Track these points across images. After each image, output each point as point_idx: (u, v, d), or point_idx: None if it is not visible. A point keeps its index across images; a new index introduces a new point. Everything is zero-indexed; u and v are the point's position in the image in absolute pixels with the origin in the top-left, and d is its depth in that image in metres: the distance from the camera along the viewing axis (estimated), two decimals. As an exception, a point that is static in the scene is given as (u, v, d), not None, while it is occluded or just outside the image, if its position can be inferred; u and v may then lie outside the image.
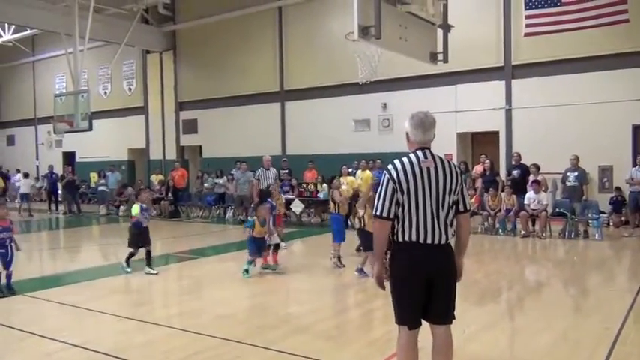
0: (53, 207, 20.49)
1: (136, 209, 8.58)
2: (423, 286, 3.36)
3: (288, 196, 15.25)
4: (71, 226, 16.85)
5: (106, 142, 23.38)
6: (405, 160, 3.43)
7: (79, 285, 7.93)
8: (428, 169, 3.38)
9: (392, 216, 3.35)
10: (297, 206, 14.74)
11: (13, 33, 23.70)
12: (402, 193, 3.35)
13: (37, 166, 26.96)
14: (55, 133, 20.16)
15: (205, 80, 20.80)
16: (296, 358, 4.70)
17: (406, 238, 3.38)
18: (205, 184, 18.06)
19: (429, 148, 3.48)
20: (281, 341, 5.15)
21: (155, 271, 8.34)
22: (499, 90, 14.84)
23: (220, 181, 17.45)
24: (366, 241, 7.63)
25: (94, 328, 5.82)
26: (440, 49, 8.70)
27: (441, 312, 3.44)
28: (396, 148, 12.55)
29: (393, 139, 15.59)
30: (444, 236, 3.39)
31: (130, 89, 23.74)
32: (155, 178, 19.23)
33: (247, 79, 19.53)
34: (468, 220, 3.60)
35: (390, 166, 3.45)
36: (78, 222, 17.58)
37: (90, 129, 17.69)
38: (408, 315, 3.43)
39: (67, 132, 18.96)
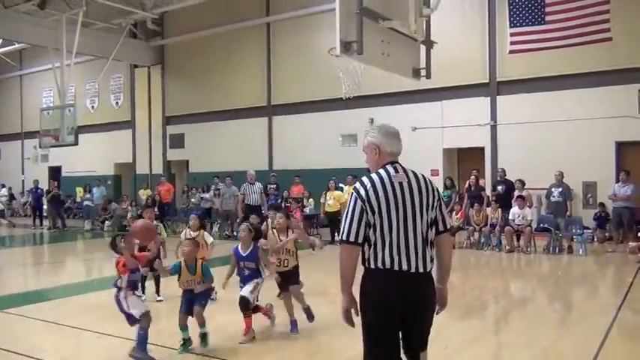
0: (38, 222, 20.30)
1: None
2: (397, 320, 3.01)
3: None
4: (55, 241, 16.66)
5: (92, 157, 23.24)
6: (374, 176, 3.08)
7: (60, 301, 7.82)
8: (400, 183, 3.04)
9: (360, 240, 2.97)
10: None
11: (1, 47, 23.62)
12: (373, 213, 2.97)
13: (23, 181, 26.71)
14: (40, 147, 20.07)
15: (193, 95, 20.82)
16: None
17: (379, 265, 2.98)
18: (192, 200, 17.96)
19: (398, 162, 3.17)
20: (262, 358, 5.11)
21: (161, 297, 7.58)
22: (484, 106, 15.00)
23: (207, 195, 17.37)
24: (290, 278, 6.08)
25: (74, 344, 5.75)
26: (423, 64, 8.78)
27: (415, 346, 3.13)
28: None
29: (379, 155, 15.63)
30: (420, 262, 2.99)
31: (117, 103, 23.68)
32: (143, 193, 19.11)
33: (235, 93, 19.57)
34: (449, 241, 3.30)
35: (357, 184, 3.09)
36: (62, 237, 17.39)
37: (76, 143, 17.61)
38: (383, 356, 3.04)
39: (52, 146, 18.89)
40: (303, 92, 17.98)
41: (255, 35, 19.14)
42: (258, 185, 13.47)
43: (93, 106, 24.30)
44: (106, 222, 18.43)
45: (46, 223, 19.92)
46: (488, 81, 14.94)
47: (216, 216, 16.45)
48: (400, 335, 3.07)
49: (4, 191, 25.26)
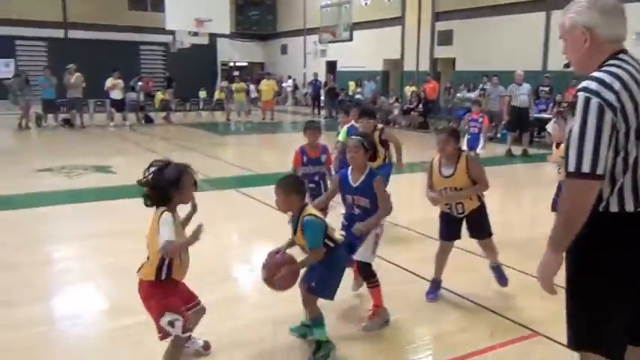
0: (316, 111, 22.73)
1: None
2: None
3: (546, 115, 14.32)
4: (329, 129, 18.50)
5: (363, 53, 24.40)
6: (618, 71, 2.04)
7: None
8: None
9: (604, 171, 2.00)
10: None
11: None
12: (627, 129, 2.00)
13: (304, 74, 29.71)
14: (320, 42, 21.91)
15: (465, -12, 19.96)
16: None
17: (626, 207, 2.08)
18: (458, 95, 17.89)
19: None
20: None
21: None
22: None
23: (472, 95, 17.06)
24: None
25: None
26: None
27: None
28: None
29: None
30: None
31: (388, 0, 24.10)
32: (408, 90, 19.71)
33: (511, -15, 18.15)
34: None
35: (591, 84, 2.02)
36: (334, 125, 19.18)
37: (350, 39, 18.77)
38: (614, 345, 2.18)
39: (330, 42, 20.45)
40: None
41: None
42: (526, 86, 12.68)
43: (366, 3, 25.13)
44: (374, 115, 19.66)
45: (323, 112, 22.16)
46: None
47: (480, 116, 16.17)
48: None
49: (290, 82, 28.78)
